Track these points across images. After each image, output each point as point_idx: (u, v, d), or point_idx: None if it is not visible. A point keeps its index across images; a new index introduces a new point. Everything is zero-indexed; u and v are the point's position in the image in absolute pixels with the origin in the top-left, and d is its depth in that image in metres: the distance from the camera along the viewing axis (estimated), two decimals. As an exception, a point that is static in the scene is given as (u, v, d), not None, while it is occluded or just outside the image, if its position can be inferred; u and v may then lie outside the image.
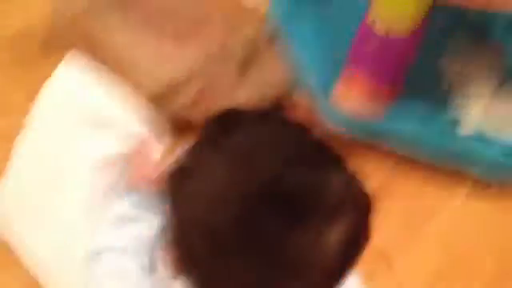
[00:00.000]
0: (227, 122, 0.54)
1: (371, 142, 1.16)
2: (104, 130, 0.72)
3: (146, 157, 0.70)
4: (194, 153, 0.54)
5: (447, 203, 1.13)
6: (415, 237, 1.07)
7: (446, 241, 1.08)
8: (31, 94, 1.05)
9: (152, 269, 0.64)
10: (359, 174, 0.54)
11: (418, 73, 1.17)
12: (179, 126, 1.06)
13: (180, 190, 0.53)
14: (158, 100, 1.07)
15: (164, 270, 0.58)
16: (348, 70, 1.17)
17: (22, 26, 1.26)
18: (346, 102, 1.16)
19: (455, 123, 1.21)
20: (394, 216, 1.08)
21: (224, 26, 1.20)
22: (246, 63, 1.19)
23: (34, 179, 0.76)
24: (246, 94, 1.16)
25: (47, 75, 1.13)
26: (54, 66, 1.13)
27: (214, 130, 0.54)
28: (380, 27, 1.07)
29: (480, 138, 1.19)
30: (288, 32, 1.23)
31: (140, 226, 0.66)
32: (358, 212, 0.51)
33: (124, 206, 0.67)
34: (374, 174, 1.11)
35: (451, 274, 1.04)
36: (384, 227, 1.03)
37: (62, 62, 0.77)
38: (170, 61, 1.12)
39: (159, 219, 0.62)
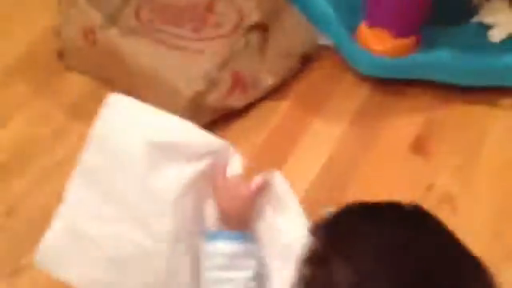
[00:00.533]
0: (362, 221, 0.54)
1: (406, 78, 1.14)
2: (175, 155, 0.68)
3: (227, 174, 0.68)
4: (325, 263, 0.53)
5: (496, 121, 1.11)
6: (472, 166, 1.05)
7: (502, 163, 1.06)
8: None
9: None
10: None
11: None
12: (218, 117, 1.07)
13: None
14: (199, 97, 1.05)
15: None
16: (371, 12, 1.14)
17: (29, 45, 1.22)
18: (375, 44, 1.14)
19: (486, 29, 1.19)
20: (448, 148, 1.07)
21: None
22: (266, 26, 1.17)
23: (95, 212, 0.72)
24: (273, 58, 1.16)
25: (69, 91, 1.13)
26: (74, 81, 1.14)
27: (350, 227, 0.54)
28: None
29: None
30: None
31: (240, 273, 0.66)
32: None
33: (218, 253, 0.66)
34: (416, 111, 1.13)
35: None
36: (443, 164, 1.04)
37: (107, 99, 0.74)
38: (198, 56, 1.09)
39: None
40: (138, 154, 0.69)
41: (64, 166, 1.03)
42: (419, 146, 1.07)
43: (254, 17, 1.16)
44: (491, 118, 1.12)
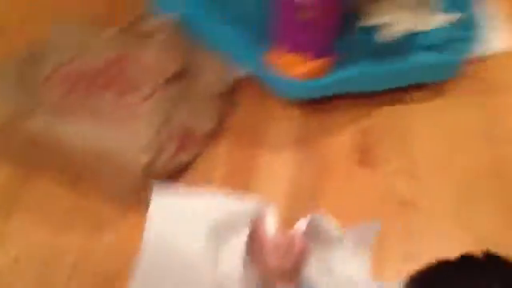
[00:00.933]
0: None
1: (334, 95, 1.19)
2: (227, 234, 0.69)
3: (262, 240, 0.69)
4: None
5: (418, 115, 1.20)
6: (417, 163, 1.12)
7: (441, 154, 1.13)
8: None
9: None
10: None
11: None
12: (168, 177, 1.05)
13: None
14: (150, 166, 1.02)
15: None
16: (285, 38, 1.17)
17: None
18: (293, 69, 1.17)
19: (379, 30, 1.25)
20: (390, 152, 1.13)
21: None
22: (186, 72, 1.16)
23: None
24: (201, 103, 1.15)
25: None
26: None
27: None
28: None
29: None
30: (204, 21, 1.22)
31: None
32: None
33: None
34: (350, 123, 1.18)
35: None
36: (391, 169, 1.09)
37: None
38: (134, 123, 1.05)
39: None
40: (196, 247, 0.68)
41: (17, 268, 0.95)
42: (364, 157, 1.12)
43: (170, 67, 1.15)
44: (414, 113, 1.19)
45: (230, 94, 1.20)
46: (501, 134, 1.16)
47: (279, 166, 1.10)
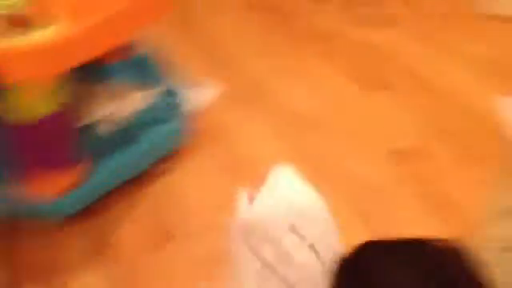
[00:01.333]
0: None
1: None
2: None
3: None
4: None
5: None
6: None
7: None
8: None
9: None
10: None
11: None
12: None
13: None
14: None
15: None
16: (25, 166, 1.15)
17: None
18: (47, 190, 1.15)
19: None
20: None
21: None
22: None
23: None
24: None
25: None
26: None
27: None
28: (13, 118, 1.08)
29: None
30: None
31: None
32: None
33: None
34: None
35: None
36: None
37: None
38: None
39: None
40: None
41: None
42: (161, 237, 1.16)
43: None
44: (178, 181, 1.29)
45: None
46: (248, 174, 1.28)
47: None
